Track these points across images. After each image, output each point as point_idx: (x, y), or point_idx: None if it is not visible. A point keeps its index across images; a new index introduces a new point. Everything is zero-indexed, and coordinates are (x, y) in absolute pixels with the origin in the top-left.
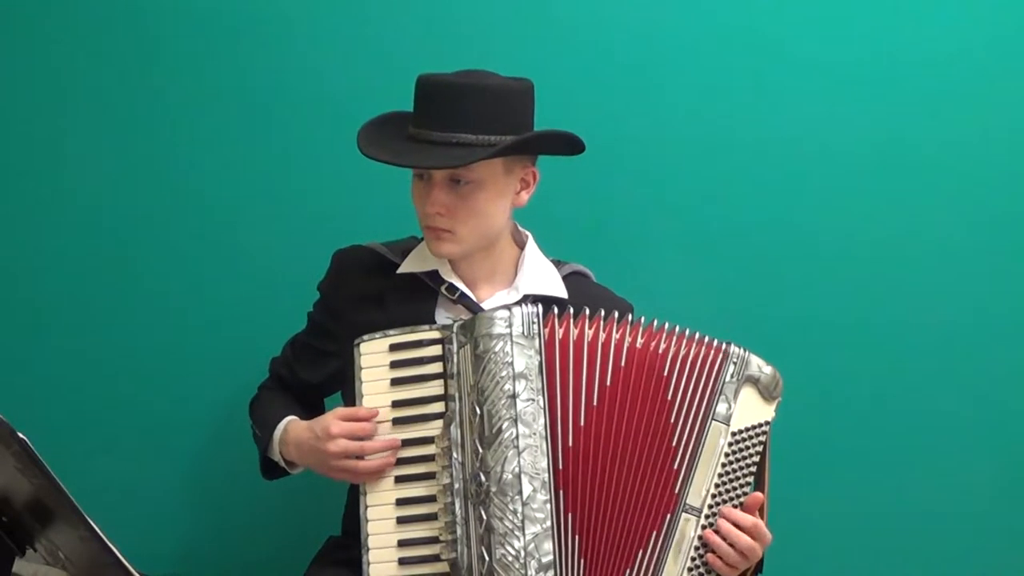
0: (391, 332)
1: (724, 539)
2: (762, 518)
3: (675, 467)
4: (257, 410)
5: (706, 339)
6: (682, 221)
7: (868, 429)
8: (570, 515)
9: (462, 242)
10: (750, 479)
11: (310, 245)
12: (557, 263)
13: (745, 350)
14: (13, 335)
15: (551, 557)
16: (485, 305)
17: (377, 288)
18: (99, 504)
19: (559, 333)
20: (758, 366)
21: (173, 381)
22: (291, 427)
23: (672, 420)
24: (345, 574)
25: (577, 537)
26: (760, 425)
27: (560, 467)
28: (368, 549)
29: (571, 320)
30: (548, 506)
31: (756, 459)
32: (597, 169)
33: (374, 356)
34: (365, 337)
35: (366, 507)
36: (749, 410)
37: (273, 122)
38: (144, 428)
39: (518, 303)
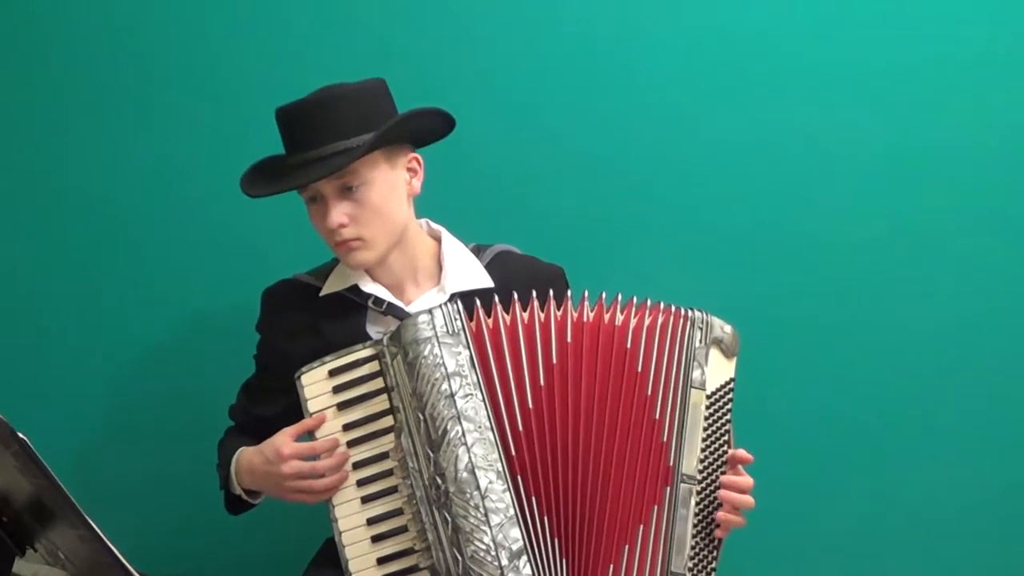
0: (327, 359)
1: (732, 508)
2: None
3: (663, 440)
4: (220, 452)
5: (660, 305)
6: (682, 222)
7: (869, 429)
8: (533, 498)
9: (374, 246)
10: (727, 437)
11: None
12: (479, 248)
13: (705, 313)
14: (13, 335)
15: (520, 543)
16: (414, 307)
17: (308, 317)
18: (99, 504)
19: (488, 323)
20: (720, 327)
21: (173, 381)
22: (242, 457)
23: (649, 392)
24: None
25: (546, 519)
26: (727, 384)
27: (513, 453)
28: (350, 573)
29: (498, 308)
30: (508, 494)
31: (728, 417)
32: (598, 170)
33: (316, 385)
34: (304, 368)
35: (340, 532)
36: (717, 371)
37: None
38: (144, 428)
39: (442, 305)
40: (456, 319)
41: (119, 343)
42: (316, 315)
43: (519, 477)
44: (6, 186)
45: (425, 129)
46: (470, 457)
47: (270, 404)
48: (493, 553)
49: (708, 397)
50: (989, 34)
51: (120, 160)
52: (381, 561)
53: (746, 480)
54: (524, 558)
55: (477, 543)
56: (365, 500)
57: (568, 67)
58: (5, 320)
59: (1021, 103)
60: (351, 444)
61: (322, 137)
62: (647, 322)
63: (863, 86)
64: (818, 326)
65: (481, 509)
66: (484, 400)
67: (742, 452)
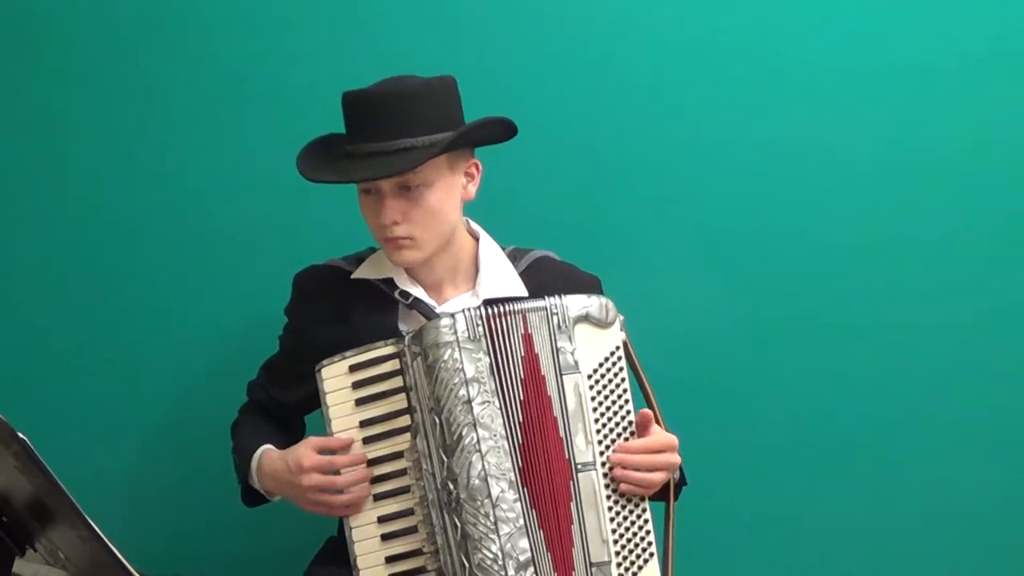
0: (348, 353)
1: (628, 470)
2: (660, 424)
3: (560, 435)
4: (237, 436)
5: (530, 302)
6: (681, 223)
7: (869, 430)
8: (534, 511)
9: (423, 247)
10: (628, 407)
11: (308, 245)
12: (517, 253)
13: (560, 297)
14: (13, 335)
15: (528, 554)
16: (445, 308)
17: (339, 304)
18: (99, 504)
19: (504, 328)
20: (581, 306)
21: (173, 381)
22: (264, 458)
23: (549, 392)
24: (344, 574)
25: (541, 532)
26: (611, 355)
27: (520, 464)
28: (358, 570)
29: (515, 315)
30: (519, 504)
31: (624, 386)
32: (599, 172)
33: (336, 379)
34: (325, 362)
35: (350, 528)
36: (594, 347)
37: (268, 131)
38: (144, 428)
39: (465, 309)
40: (479, 324)
41: (119, 342)
42: (347, 303)
43: (526, 489)
44: (6, 185)
45: (489, 136)
46: (484, 465)
47: (289, 389)
48: (500, 563)
49: (589, 376)
50: (989, 35)
51: (118, 158)
52: (389, 560)
53: (640, 444)
54: (531, 570)
55: (485, 551)
56: (377, 498)
57: (566, 67)
58: (5, 320)
59: (1022, 104)
60: (367, 441)
61: (390, 132)
62: (534, 323)
63: (863, 87)
64: (818, 326)
65: (491, 518)
66: (501, 408)
67: (644, 412)
